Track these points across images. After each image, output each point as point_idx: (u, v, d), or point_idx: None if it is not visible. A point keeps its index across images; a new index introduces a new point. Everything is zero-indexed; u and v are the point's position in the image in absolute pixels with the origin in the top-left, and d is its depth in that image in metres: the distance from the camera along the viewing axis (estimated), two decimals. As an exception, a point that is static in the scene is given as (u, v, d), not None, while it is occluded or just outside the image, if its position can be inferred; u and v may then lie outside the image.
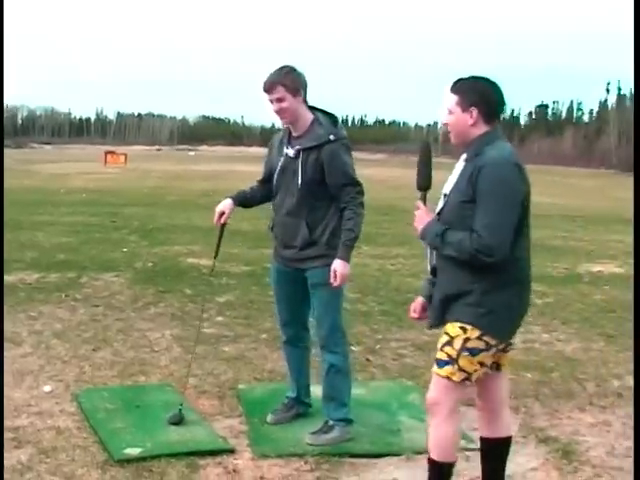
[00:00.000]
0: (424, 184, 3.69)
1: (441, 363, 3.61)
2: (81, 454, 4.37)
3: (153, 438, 4.56)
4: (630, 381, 6.09)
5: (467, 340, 3.54)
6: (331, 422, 4.72)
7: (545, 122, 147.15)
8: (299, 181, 4.56)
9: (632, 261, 13.09)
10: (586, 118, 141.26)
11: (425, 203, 3.68)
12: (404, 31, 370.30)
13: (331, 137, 4.54)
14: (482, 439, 3.97)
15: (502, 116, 3.75)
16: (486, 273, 3.49)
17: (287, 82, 4.50)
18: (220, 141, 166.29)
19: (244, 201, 4.86)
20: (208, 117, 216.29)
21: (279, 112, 4.56)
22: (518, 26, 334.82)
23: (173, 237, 14.16)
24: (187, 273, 10.40)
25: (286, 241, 4.70)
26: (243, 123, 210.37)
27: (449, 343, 3.58)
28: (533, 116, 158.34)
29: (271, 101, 4.55)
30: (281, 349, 5.25)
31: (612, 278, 11.35)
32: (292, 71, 4.53)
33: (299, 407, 5.01)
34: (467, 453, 4.59)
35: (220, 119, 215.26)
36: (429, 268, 3.76)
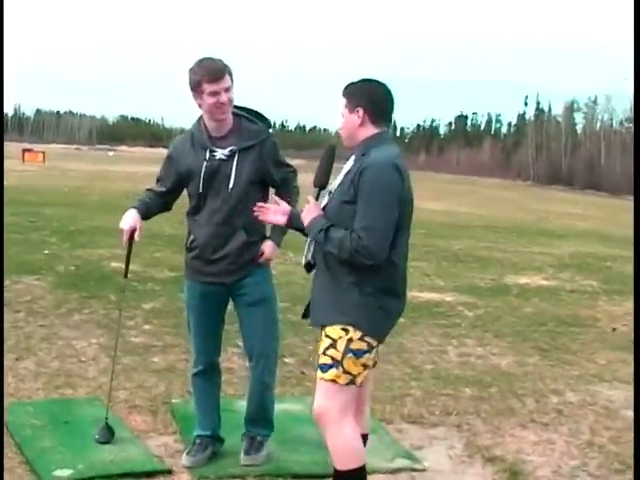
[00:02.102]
0: (320, 182, 3.67)
1: (325, 367, 3.54)
2: (6, 477, 4.05)
3: (84, 458, 4.27)
4: (570, 397, 6.08)
5: (350, 341, 3.49)
6: (259, 438, 4.48)
7: (464, 133, 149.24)
8: (235, 184, 4.18)
9: (560, 274, 13.32)
10: (504, 130, 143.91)
11: (317, 200, 3.65)
12: (319, 37, 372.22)
13: (271, 131, 4.31)
14: None
15: (392, 120, 3.74)
16: (366, 275, 3.47)
17: (231, 72, 4.15)
18: (139, 142, 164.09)
19: (146, 213, 4.35)
20: (128, 117, 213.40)
21: (223, 105, 4.10)
22: (440, 37, 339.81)
23: (96, 240, 13.70)
24: (112, 278, 10.03)
25: (210, 255, 4.25)
26: (163, 124, 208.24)
27: (332, 346, 3.52)
28: (452, 127, 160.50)
29: (216, 92, 4.06)
30: (191, 383, 4.60)
31: (540, 290, 11.42)
32: None
33: (215, 445, 4.50)
34: (413, 474, 4.46)
35: (140, 119, 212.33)
36: (304, 262, 3.71)
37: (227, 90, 4.10)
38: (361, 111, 3.54)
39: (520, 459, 4.75)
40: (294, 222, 3.75)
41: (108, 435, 4.53)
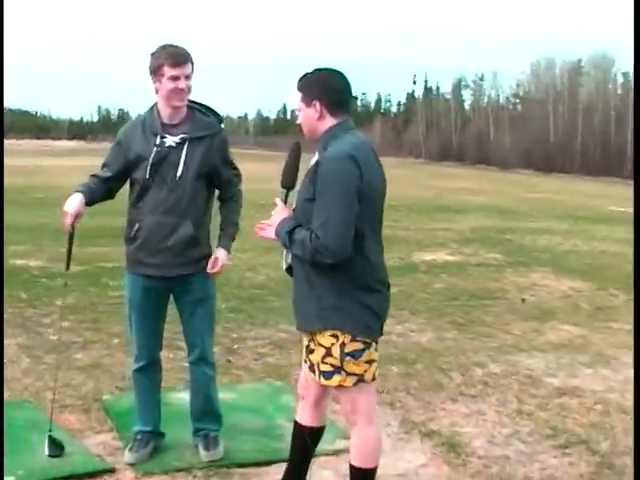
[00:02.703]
0: (287, 183, 3.53)
1: (327, 374, 3.46)
2: (-57, 487, 3.92)
3: (24, 464, 4.14)
4: (493, 368, 6.25)
5: (343, 345, 3.40)
6: (213, 434, 4.45)
7: (355, 113, 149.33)
8: (183, 174, 4.11)
9: (464, 249, 13.61)
10: (394, 109, 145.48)
11: (286, 202, 3.54)
12: (216, 23, 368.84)
13: (222, 125, 4.27)
14: (304, 427, 3.79)
15: (350, 108, 3.62)
16: (340, 274, 3.35)
17: (193, 62, 4.09)
18: (26, 134, 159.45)
19: (90, 199, 4.16)
20: (13, 109, 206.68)
21: (182, 91, 4.05)
22: (329, 20, 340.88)
23: (-5, 237, 13.28)
24: (18, 275, 9.77)
25: (155, 245, 4.16)
26: (50, 116, 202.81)
27: (328, 354, 3.43)
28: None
29: (176, 77, 4.01)
30: (132, 378, 4.54)
31: (447, 266, 11.66)
32: None
33: (156, 440, 4.45)
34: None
35: (26, 111, 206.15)
36: (284, 267, 3.61)
37: (187, 77, 4.06)
38: (318, 104, 3.43)
39: (455, 432, 4.86)
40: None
41: (57, 448, 4.31)
